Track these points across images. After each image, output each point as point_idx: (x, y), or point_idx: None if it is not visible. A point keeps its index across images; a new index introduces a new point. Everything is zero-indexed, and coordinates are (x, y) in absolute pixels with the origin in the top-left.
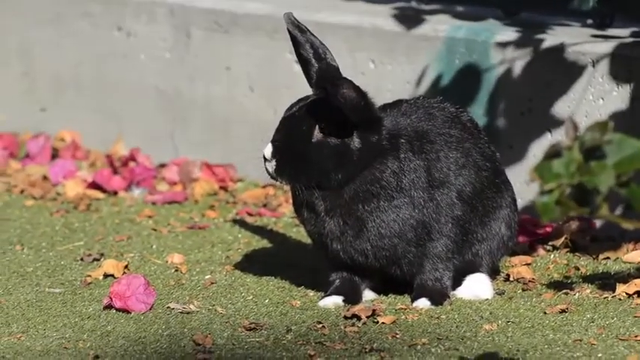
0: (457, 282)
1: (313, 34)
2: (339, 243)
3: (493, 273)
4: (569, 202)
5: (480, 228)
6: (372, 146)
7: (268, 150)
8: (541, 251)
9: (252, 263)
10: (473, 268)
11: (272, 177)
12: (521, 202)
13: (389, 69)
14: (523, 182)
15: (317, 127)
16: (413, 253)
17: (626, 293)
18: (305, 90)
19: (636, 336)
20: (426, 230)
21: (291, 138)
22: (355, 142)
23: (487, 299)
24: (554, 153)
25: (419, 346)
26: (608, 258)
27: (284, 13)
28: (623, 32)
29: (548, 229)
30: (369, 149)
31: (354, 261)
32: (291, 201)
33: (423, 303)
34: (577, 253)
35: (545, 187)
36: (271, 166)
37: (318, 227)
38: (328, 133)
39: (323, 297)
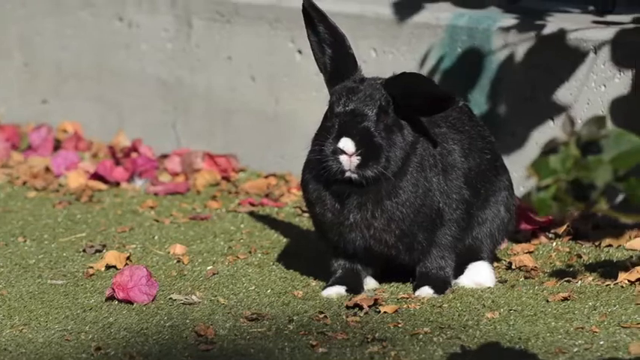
0: (459, 270)
1: (332, 21)
2: (361, 233)
3: (494, 259)
4: (566, 198)
5: (480, 211)
6: (416, 130)
7: (350, 145)
8: (543, 239)
9: (254, 254)
10: (474, 255)
11: (343, 171)
12: (522, 190)
13: (390, 57)
14: (525, 170)
15: (387, 115)
16: (427, 240)
17: (628, 281)
18: (306, 80)
19: (638, 323)
20: (439, 216)
21: (367, 130)
22: (408, 128)
23: (489, 287)
24: (551, 148)
25: (421, 335)
26: (610, 245)
27: None
28: (625, 18)
29: (550, 217)
30: (413, 133)
31: (368, 250)
32: (293, 191)
33: (426, 292)
34: (579, 241)
35: (541, 182)
36: (353, 160)
37: (340, 218)
38: (396, 121)
39: (325, 287)
